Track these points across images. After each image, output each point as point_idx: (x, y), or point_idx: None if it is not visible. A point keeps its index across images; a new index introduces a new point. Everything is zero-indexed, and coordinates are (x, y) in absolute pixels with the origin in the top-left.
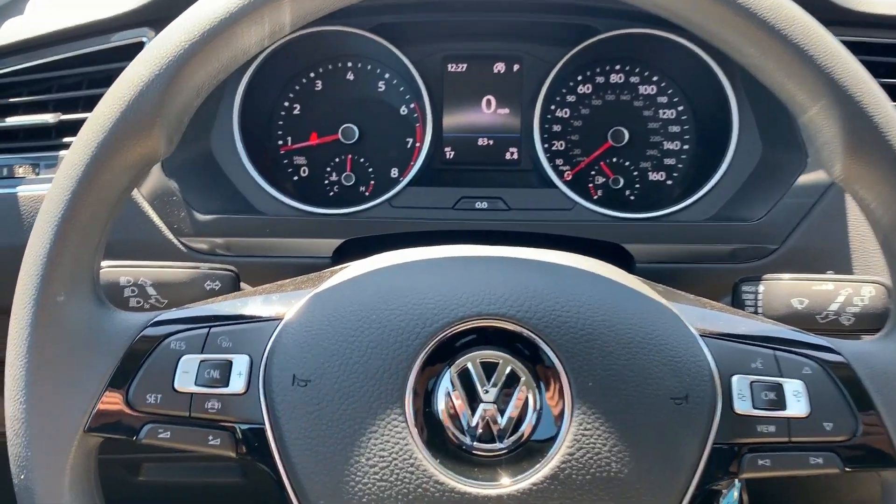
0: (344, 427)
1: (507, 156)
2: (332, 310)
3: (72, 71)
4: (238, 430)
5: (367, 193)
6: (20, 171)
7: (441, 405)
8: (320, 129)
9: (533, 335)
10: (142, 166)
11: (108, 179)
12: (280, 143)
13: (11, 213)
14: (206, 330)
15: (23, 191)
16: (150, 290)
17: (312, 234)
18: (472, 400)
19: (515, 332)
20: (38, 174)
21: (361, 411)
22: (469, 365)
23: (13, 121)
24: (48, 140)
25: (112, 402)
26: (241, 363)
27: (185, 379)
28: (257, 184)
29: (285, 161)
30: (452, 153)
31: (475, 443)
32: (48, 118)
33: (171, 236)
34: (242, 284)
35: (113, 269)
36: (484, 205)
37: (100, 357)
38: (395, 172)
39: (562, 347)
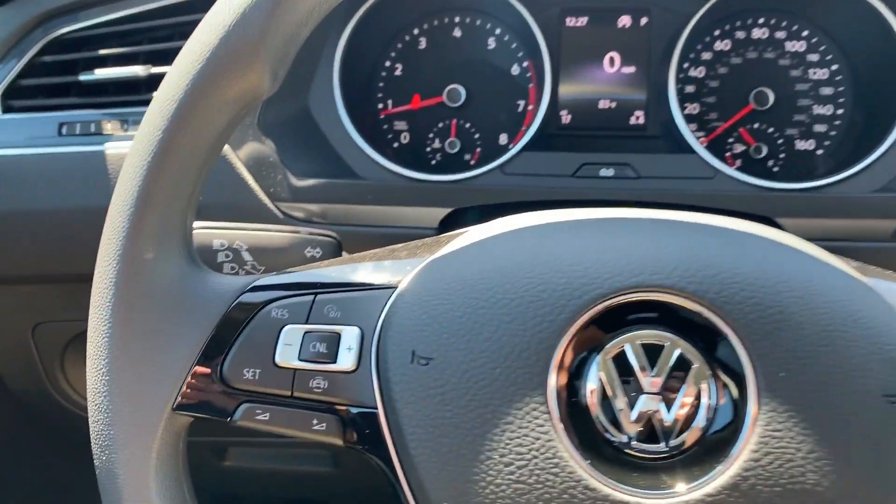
0: (472, 415)
1: (633, 120)
2: (456, 277)
3: (162, 22)
4: (347, 413)
5: (472, 162)
6: (108, 126)
7: (592, 395)
8: (423, 91)
9: (709, 312)
10: (243, 104)
11: (205, 118)
12: (380, 106)
13: (98, 172)
14: (311, 297)
15: (111, 148)
16: (246, 256)
17: (418, 202)
18: (631, 390)
19: (686, 309)
20: (126, 131)
21: (494, 398)
22: (628, 347)
23: (102, 73)
24: (137, 95)
25: (204, 376)
26: (350, 336)
27: (288, 352)
28: (359, 147)
29: (385, 126)
30: (569, 118)
31: (634, 441)
32: (138, 71)
33: (267, 201)
34: (343, 254)
35: (205, 231)
36: (609, 172)
37: (192, 324)
38: (504, 139)
39: (746, 328)
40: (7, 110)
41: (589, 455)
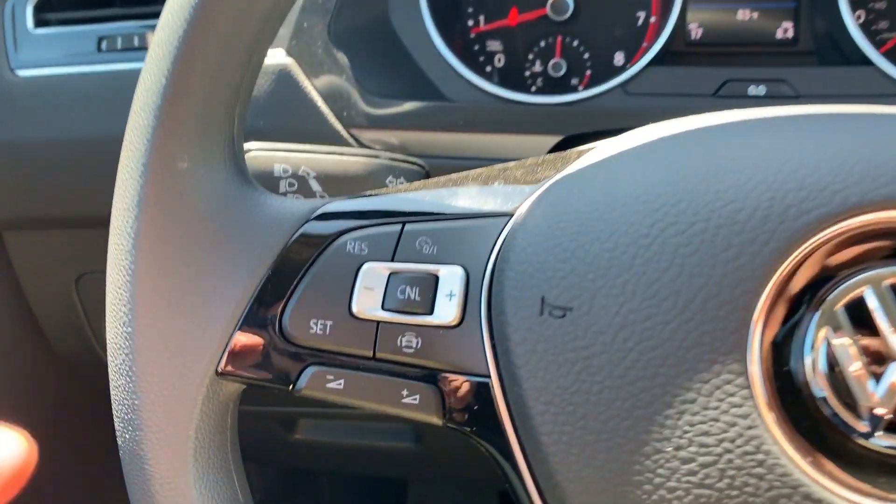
0: (632, 390)
1: (780, 34)
2: (602, 197)
3: None
4: (448, 382)
5: (580, 87)
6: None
7: (814, 363)
8: (522, 2)
9: None
10: None
11: None
12: (470, 23)
13: None
14: (398, 227)
15: None
16: (314, 185)
17: (521, 128)
18: (874, 356)
19: None
20: None
21: (665, 366)
22: (868, 292)
23: None
24: None
25: (258, 330)
26: (451, 278)
27: (369, 299)
28: (448, 63)
29: (476, 47)
30: (700, 32)
31: (878, 432)
32: None
33: (338, 126)
34: None
35: (264, 154)
36: (761, 90)
37: (241, 260)
38: (619, 58)
39: None
40: (40, 24)
41: (810, 451)
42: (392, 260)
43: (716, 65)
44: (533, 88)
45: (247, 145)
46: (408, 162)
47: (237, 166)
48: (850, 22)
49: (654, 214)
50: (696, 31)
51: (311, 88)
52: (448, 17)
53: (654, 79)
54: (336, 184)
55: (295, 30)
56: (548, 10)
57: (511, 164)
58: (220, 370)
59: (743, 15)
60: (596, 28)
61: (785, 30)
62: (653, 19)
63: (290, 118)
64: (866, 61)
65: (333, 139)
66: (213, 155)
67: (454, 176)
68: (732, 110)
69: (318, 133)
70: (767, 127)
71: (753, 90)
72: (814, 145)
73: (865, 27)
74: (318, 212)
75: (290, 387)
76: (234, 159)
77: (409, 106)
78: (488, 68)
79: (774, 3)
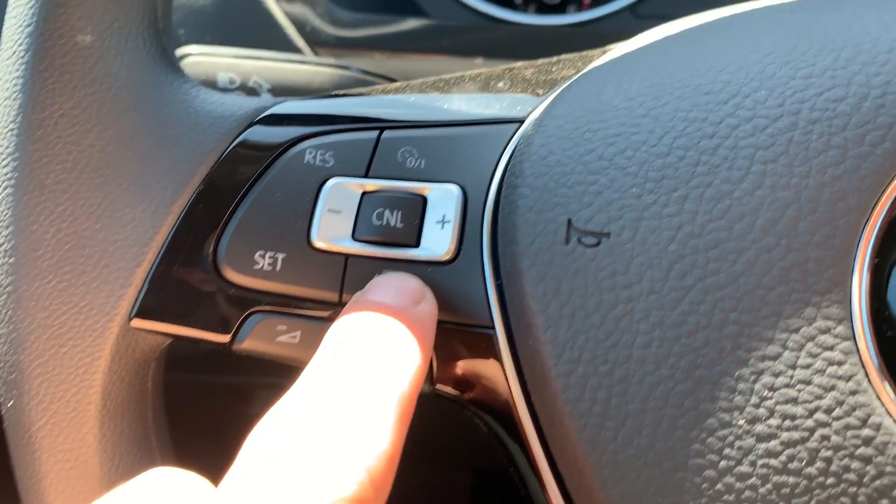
0: (692, 343)
1: None
2: (645, 91)
3: None
4: (438, 335)
5: (583, 8)
6: None
7: None
8: None
9: None
10: None
11: None
12: None
13: None
14: (374, 133)
15: None
16: (268, 98)
17: (515, 54)
18: None
19: None
20: None
21: (738, 309)
22: None
23: None
24: None
25: (185, 265)
26: (444, 199)
27: (335, 225)
28: None
29: None
30: None
31: None
32: None
33: (300, 42)
34: None
35: (206, 59)
36: None
37: (162, 169)
38: None
39: None
40: None
41: None
42: (366, 175)
43: None
44: (530, 10)
45: (185, 49)
46: (384, 77)
47: (160, 47)
48: None
49: (722, 108)
50: None
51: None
52: None
53: (666, 2)
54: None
55: None
56: None
57: (519, 63)
58: (134, 312)
59: None
60: None
61: None
62: None
63: (243, 32)
64: None
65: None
66: (127, 28)
67: (447, 77)
68: None
69: (276, 48)
70: None
71: None
72: None
73: None
74: (268, 112)
75: (229, 340)
76: (157, 38)
77: (383, 23)
78: None
79: None
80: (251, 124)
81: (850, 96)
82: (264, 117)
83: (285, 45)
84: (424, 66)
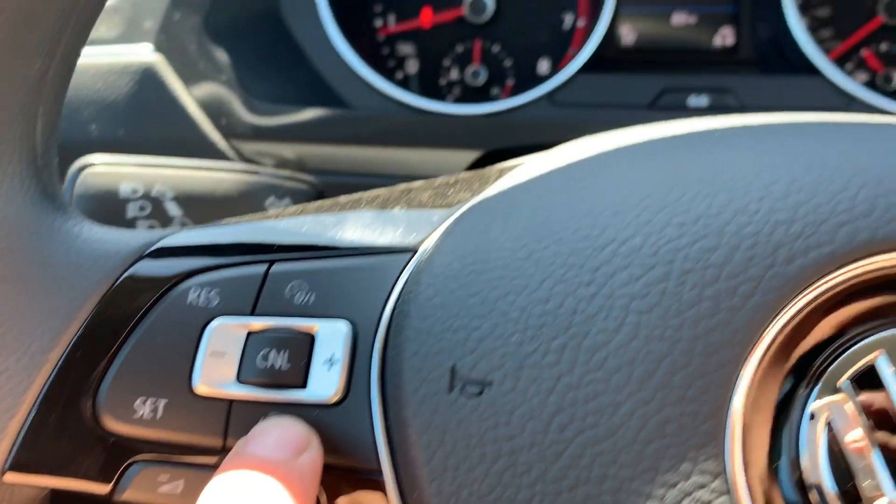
0: (574, 498)
1: (718, 40)
2: (527, 232)
3: None
4: (327, 479)
5: (502, 97)
6: None
7: (812, 457)
8: (437, 1)
9: None
10: None
11: None
12: (378, 23)
13: None
14: (262, 268)
15: None
16: (172, 208)
17: (436, 142)
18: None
19: None
20: None
21: (616, 464)
22: (882, 361)
23: None
24: None
25: (63, 413)
26: (333, 338)
27: (218, 368)
28: (349, 65)
29: (385, 51)
30: (633, 37)
31: None
32: None
33: (215, 136)
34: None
35: (108, 169)
36: (703, 101)
37: (41, 312)
38: (544, 66)
39: None
40: None
41: None
42: (252, 313)
43: (653, 70)
44: (449, 99)
45: (86, 159)
46: (295, 179)
47: (41, 185)
48: (798, 28)
49: (599, 254)
50: (628, 36)
51: (182, 91)
52: (351, 13)
53: (584, 87)
54: (201, 207)
55: (164, 22)
56: (465, 10)
57: (416, 183)
58: (6, 473)
59: (678, 19)
60: (518, 32)
61: (724, 36)
62: (581, 23)
63: (157, 127)
64: (812, 70)
65: (210, 152)
66: (2, 171)
67: (343, 199)
68: (689, 119)
69: (190, 144)
70: (741, 139)
71: (694, 101)
72: (805, 162)
73: (810, 34)
74: (155, 246)
75: (110, 491)
76: (37, 176)
77: (302, 113)
78: (400, 74)
79: (712, 7)
80: (137, 260)
81: (723, 246)
82: (151, 251)
83: (200, 138)
84: (344, 154)
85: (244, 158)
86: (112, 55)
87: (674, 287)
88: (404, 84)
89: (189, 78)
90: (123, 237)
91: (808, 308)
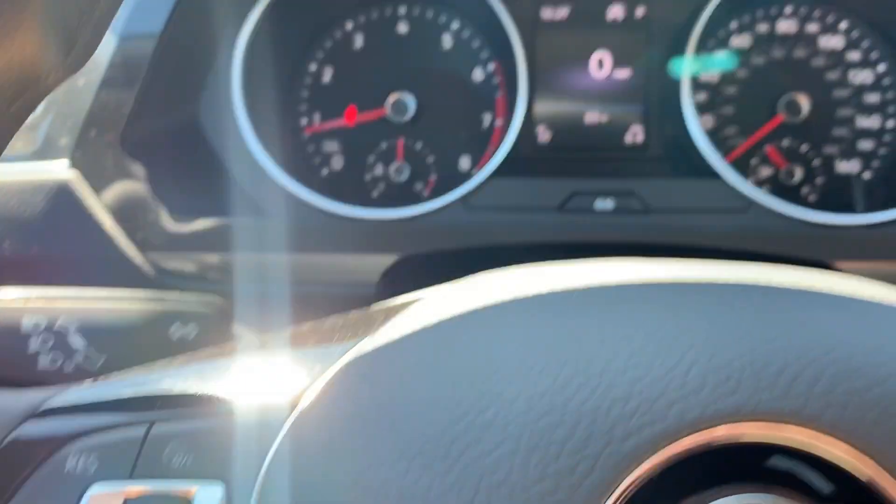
0: None
1: (629, 138)
2: (391, 398)
3: None
4: None
5: (425, 193)
6: None
7: None
8: (361, 101)
9: (860, 460)
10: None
11: None
12: (304, 121)
13: None
14: (142, 429)
15: None
16: (77, 341)
17: (351, 248)
18: None
19: (812, 455)
20: None
21: None
22: None
23: None
24: None
25: None
26: (208, 501)
27: None
28: (266, 173)
29: (310, 148)
30: (548, 135)
31: None
32: None
33: (132, 252)
34: (240, 331)
35: (8, 305)
36: (608, 204)
37: None
38: (465, 163)
39: None
40: None
41: None
42: (131, 476)
43: (565, 172)
44: (375, 194)
45: None
46: (202, 302)
47: None
48: (696, 130)
49: (454, 427)
50: (543, 135)
51: (97, 207)
52: (274, 118)
53: (496, 191)
54: (106, 338)
55: (80, 138)
56: (388, 110)
57: (306, 326)
58: None
59: (591, 118)
60: (440, 130)
61: (634, 134)
62: (498, 122)
63: (72, 243)
64: (713, 171)
65: (125, 268)
66: None
67: (229, 347)
68: (545, 268)
69: (105, 260)
70: (594, 303)
71: (601, 204)
72: (645, 334)
73: (714, 133)
74: (41, 408)
75: None
76: None
77: (220, 223)
78: (325, 171)
79: (623, 106)
80: (22, 422)
81: (565, 422)
82: (37, 413)
83: (115, 253)
84: (265, 262)
85: (161, 271)
86: (27, 172)
87: (521, 463)
88: (330, 182)
89: (105, 193)
90: (8, 401)
91: (643, 484)
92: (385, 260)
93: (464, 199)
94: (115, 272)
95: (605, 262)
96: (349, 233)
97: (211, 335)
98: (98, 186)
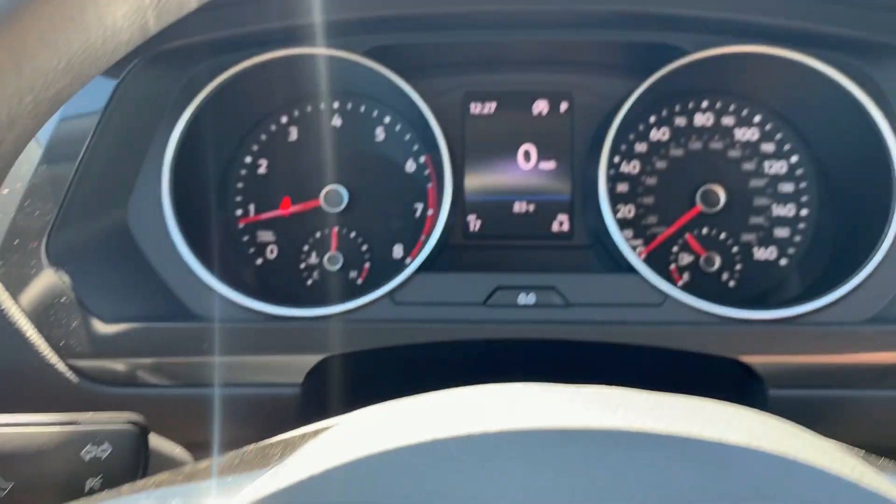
0: None
1: (556, 227)
2: None
3: None
4: None
5: (359, 281)
6: None
7: None
8: (296, 193)
9: None
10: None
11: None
12: (239, 212)
13: None
14: None
15: None
16: None
17: (275, 348)
18: None
19: None
20: None
21: None
22: None
23: None
24: None
25: None
26: None
27: None
28: (194, 274)
29: (246, 238)
30: (479, 224)
31: None
32: None
33: (54, 359)
34: (157, 443)
35: None
36: (530, 298)
37: None
38: (398, 251)
39: None
40: None
41: None
42: None
43: (490, 267)
44: (309, 282)
45: None
46: (115, 421)
47: None
48: (612, 223)
49: None
50: (474, 223)
51: (20, 316)
52: (206, 211)
53: (422, 286)
54: (14, 464)
55: (3, 247)
56: (321, 201)
57: (202, 464)
58: None
59: (519, 207)
60: (374, 220)
61: (560, 223)
62: (430, 212)
63: None
64: (630, 265)
65: (48, 375)
66: None
67: (126, 489)
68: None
69: (27, 368)
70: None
71: (523, 299)
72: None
73: (635, 222)
74: None
75: None
76: None
77: (146, 329)
78: (260, 261)
79: (549, 196)
80: None
81: None
82: None
83: (38, 360)
84: (192, 366)
85: (82, 375)
86: None
87: None
88: (264, 272)
89: (27, 300)
90: None
91: None
92: (308, 361)
93: (391, 295)
94: (36, 383)
95: (520, 396)
96: (273, 333)
97: (125, 454)
98: (20, 296)
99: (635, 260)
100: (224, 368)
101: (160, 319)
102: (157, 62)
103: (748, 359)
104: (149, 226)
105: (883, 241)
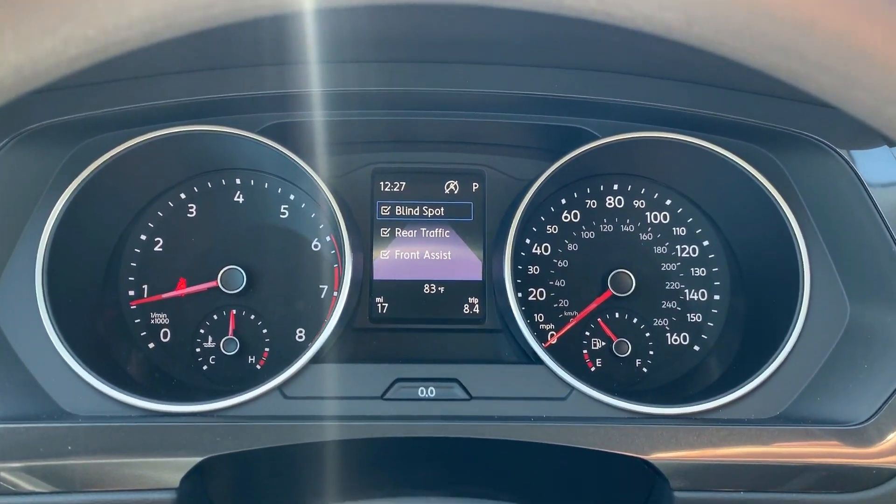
0: None
1: (466, 310)
2: None
3: None
4: None
5: (259, 366)
6: None
7: None
8: (192, 273)
9: None
10: None
11: None
12: (131, 293)
13: None
14: None
15: None
16: None
17: (150, 449)
18: None
19: None
20: None
21: None
22: None
23: None
24: None
25: None
26: None
27: None
28: (69, 368)
29: (137, 320)
30: (386, 306)
31: None
32: None
33: None
34: None
35: None
36: (431, 392)
37: None
38: (301, 335)
39: None
40: None
41: None
42: None
43: (392, 356)
44: (205, 367)
45: None
46: None
47: None
48: (516, 308)
49: None
50: (381, 306)
51: None
52: (87, 293)
53: (316, 378)
54: None
55: None
56: (218, 282)
57: None
58: None
59: (429, 289)
60: (275, 302)
61: (471, 306)
62: (336, 293)
63: None
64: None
65: None
66: None
67: None
68: None
69: None
70: None
71: (424, 392)
72: None
73: (546, 306)
74: None
75: None
76: None
77: (10, 430)
78: (152, 344)
79: (460, 278)
80: None
81: None
82: None
83: None
84: (63, 470)
85: None
86: None
87: None
88: (155, 356)
89: None
90: None
91: None
92: (186, 463)
93: (281, 388)
94: None
95: None
96: (152, 431)
97: None
98: None
99: (540, 350)
100: (92, 472)
101: (28, 419)
102: (34, 139)
103: (652, 457)
104: (18, 316)
105: (790, 335)
